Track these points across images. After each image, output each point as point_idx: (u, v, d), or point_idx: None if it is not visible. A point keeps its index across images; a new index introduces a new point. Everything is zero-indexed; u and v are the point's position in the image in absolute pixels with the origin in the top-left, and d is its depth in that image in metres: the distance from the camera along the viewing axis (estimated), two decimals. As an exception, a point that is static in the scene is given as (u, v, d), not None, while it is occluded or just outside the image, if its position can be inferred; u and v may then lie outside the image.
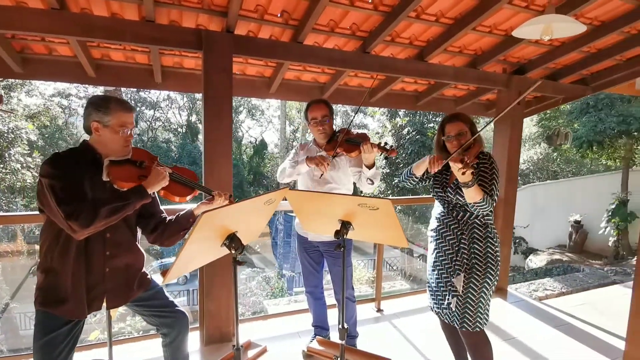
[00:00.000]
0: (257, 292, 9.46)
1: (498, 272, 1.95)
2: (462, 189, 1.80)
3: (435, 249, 2.07)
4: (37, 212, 1.58)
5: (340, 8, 2.51)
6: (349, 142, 2.26)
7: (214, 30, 2.57)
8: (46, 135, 17.08)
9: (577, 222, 10.62)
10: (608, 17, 2.87)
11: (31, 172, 10.38)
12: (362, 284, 8.13)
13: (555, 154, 15.86)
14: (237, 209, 1.39)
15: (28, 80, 11.87)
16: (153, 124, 23.06)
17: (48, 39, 2.54)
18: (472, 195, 1.79)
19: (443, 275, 2.01)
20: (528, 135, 16.60)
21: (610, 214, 9.45)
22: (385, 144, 2.13)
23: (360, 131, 2.36)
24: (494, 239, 1.95)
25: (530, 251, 11.14)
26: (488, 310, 1.98)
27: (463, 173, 1.69)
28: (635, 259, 8.53)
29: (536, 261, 10.14)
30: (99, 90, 17.00)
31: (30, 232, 12.35)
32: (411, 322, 3.20)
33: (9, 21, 2.11)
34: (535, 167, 17.61)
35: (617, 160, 10.74)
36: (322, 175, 2.29)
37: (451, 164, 1.75)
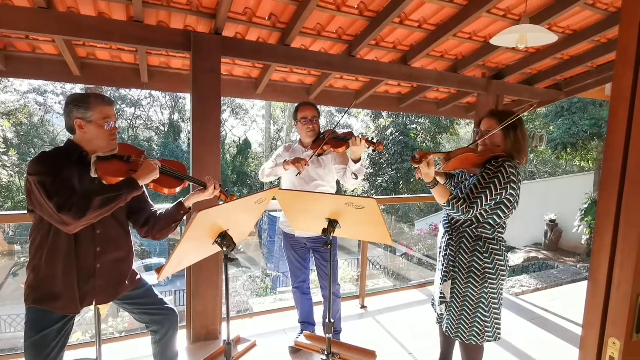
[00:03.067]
0: (241, 292, 9.45)
1: (485, 289, 1.82)
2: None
3: (439, 251, 2.07)
4: (15, 212, 1.59)
5: (326, 12, 2.58)
6: (336, 139, 2.37)
7: (202, 31, 2.60)
8: (21, 133, 16.55)
9: (552, 220, 11.00)
10: (579, 26, 3.04)
11: (6, 171, 10.07)
12: (346, 282, 8.24)
13: (532, 155, 16.37)
14: (229, 207, 1.44)
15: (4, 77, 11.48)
16: (134, 122, 22.61)
17: (32, 37, 2.52)
18: (435, 195, 1.79)
19: (438, 280, 2.03)
20: (506, 137, 17.04)
21: (582, 213, 9.83)
22: (373, 137, 2.24)
23: (345, 131, 2.47)
24: (485, 254, 1.81)
25: (508, 249, 11.43)
26: (478, 326, 1.87)
27: (415, 169, 1.70)
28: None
29: (514, 259, 10.46)
30: (77, 88, 16.60)
31: (8, 234, 11.96)
32: (394, 318, 3.30)
33: (-7, 19, 2.09)
34: (513, 168, 18.10)
35: (589, 161, 11.21)
36: (298, 173, 2.38)
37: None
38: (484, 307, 1.85)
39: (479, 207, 1.74)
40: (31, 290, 1.57)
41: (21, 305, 1.68)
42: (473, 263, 1.83)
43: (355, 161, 2.31)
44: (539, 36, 2.18)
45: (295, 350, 2.63)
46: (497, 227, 1.84)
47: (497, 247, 1.84)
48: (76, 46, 2.68)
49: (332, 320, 1.73)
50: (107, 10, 2.36)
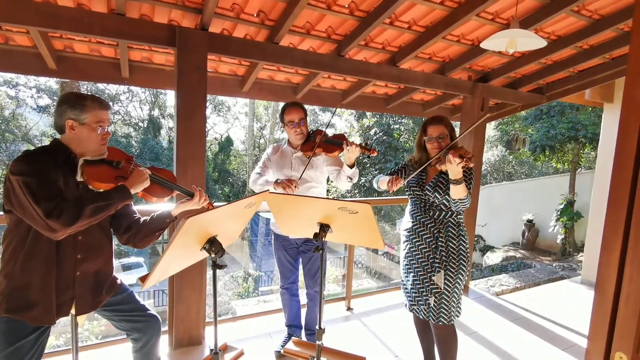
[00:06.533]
0: (222, 293, 9.30)
1: (469, 269, 2.08)
2: (452, 185, 1.90)
3: (411, 247, 2.14)
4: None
5: (317, 11, 2.53)
6: (329, 142, 2.32)
7: (187, 26, 2.51)
8: (-9, 127, 15.81)
9: (529, 221, 11.31)
10: (564, 32, 3.09)
11: (-26, 167, 9.58)
12: (330, 282, 8.22)
13: (510, 156, 16.78)
14: (219, 213, 1.38)
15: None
16: (112, 118, 21.92)
17: (5, 27, 2.37)
18: (459, 191, 1.90)
19: (419, 274, 2.08)
20: (486, 138, 17.43)
21: (558, 213, 10.13)
22: (366, 144, 2.21)
23: (334, 132, 2.43)
24: (465, 237, 2.08)
25: (487, 248, 11.73)
26: (460, 305, 2.10)
27: (463, 167, 1.80)
28: (580, 255, 9.22)
29: (493, 258, 10.69)
30: (53, 82, 15.96)
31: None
32: (381, 319, 3.29)
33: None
34: (492, 169, 18.57)
35: (565, 163, 11.55)
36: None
37: (450, 158, 1.80)
38: (462, 286, 2.10)
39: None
40: (3, 298, 1.47)
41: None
42: (461, 248, 2.05)
43: (351, 166, 2.27)
44: (528, 41, 2.20)
45: (282, 355, 2.58)
46: (463, 211, 2.11)
47: (466, 229, 2.13)
48: (52, 38, 2.54)
49: (322, 327, 1.69)
50: (87, 2, 2.24)
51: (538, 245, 11.32)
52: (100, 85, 20.43)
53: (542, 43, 2.18)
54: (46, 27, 2.11)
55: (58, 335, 5.83)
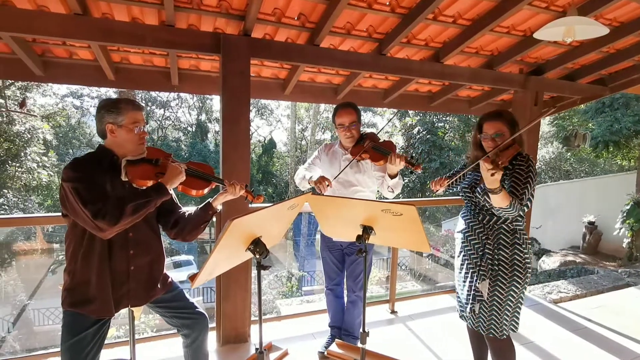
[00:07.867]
0: (266, 291, 9.51)
1: (527, 280, 1.88)
2: (489, 194, 1.71)
3: (461, 251, 2.05)
4: (57, 214, 1.61)
5: (357, 11, 2.51)
6: (376, 150, 2.26)
7: (231, 33, 2.59)
8: (60, 135, 17.38)
9: (590, 223, 10.44)
10: (627, 18, 2.83)
11: (46, 171, 10.58)
12: (373, 284, 8.12)
13: (568, 153, 15.64)
14: (262, 215, 1.41)
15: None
16: (163, 123, 23.29)
17: (69, 43, 2.59)
18: (498, 201, 1.71)
19: (468, 279, 1.98)
20: (541, 134, 16.37)
21: (624, 214, 9.27)
22: (412, 157, 2.13)
23: (383, 138, 2.38)
24: (523, 246, 1.87)
25: (542, 252, 10.99)
26: (517, 318, 1.94)
27: (492, 174, 1.59)
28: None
29: (549, 262, 10.00)
30: (112, 92, 17.21)
31: (48, 230, 12.57)
32: (426, 324, 3.19)
33: (30, 25, 2.13)
34: (547, 167, 17.41)
35: (632, 160, 10.56)
36: (320, 194, 2.29)
37: (481, 164, 1.63)
38: (522, 299, 1.93)
39: (525, 202, 1.77)
40: (67, 293, 1.60)
41: (57, 299, 1.73)
42: (515, 257, 1.86)
43: (392, 177, 2.22)
44: (588, 29, 2.03)
45: (325, 356, 2.58)
46: (524, 218, 1.91)
47: (527, 237, 1.92)
48: (111, 51, 2.73)
49: (367, 331, 1.66)
50: (140, 15, 2.39)
51: (601, 250, 10.42)
52: (153, 93, 21.76)
53: (604, 30, 2.01)
54: (104, 41, 2.28)
55: (118, 327, 6.26)
